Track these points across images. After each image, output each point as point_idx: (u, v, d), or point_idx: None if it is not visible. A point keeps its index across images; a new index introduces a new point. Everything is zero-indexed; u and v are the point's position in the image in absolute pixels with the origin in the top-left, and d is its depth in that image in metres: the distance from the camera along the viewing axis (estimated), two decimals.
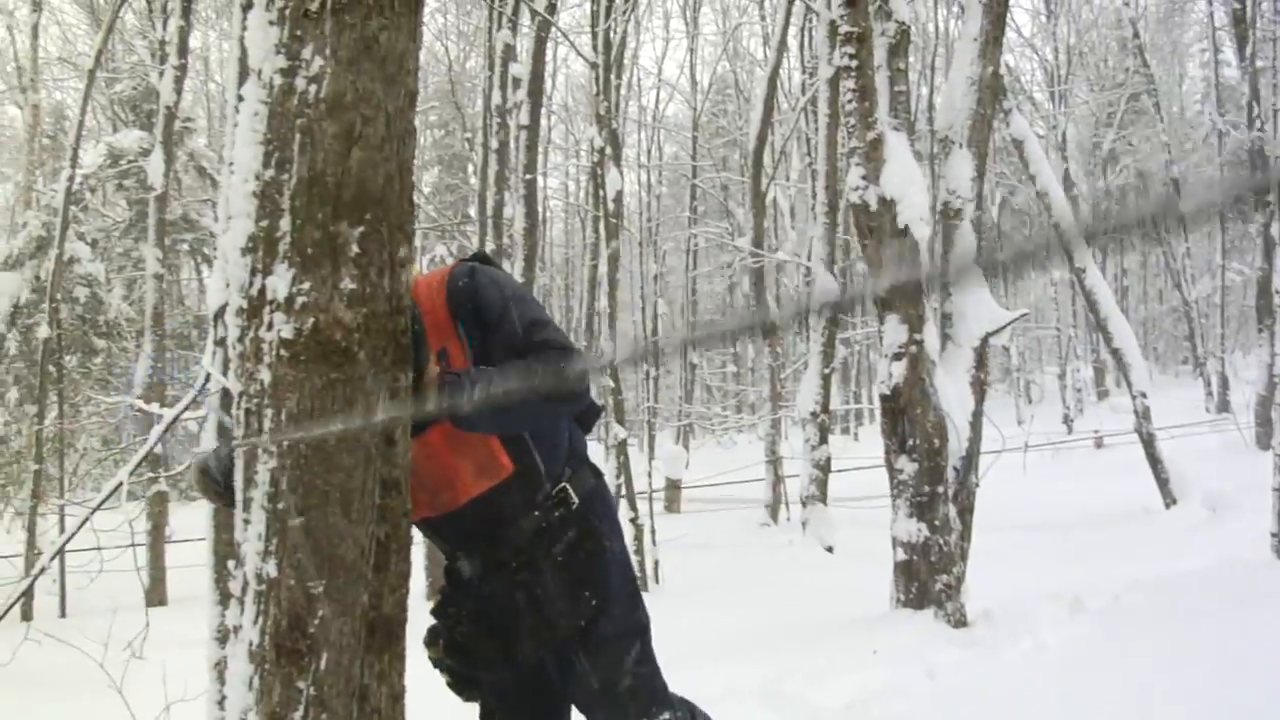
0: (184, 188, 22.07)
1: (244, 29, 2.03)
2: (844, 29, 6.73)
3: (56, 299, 11.74)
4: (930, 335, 6.97)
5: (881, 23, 7.12)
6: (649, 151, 34.10)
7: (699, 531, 14.94)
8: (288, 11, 1.98)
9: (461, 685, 2.84)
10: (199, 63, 28.94)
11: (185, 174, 21.28)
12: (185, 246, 22.83)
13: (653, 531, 11.85)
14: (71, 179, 11.57)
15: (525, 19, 13.51)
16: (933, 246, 7.20)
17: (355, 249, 1.97)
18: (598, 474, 2.87)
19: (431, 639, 2.83)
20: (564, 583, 2.66)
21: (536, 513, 2.69)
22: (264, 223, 1.97)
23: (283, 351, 1.94)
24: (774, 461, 17.39)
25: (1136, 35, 26.63)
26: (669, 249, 36.61)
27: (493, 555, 2.72)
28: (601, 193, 12.69)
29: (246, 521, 1.99)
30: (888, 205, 6.74)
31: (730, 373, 39.62)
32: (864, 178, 6.79)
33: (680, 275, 35.66)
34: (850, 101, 6.83)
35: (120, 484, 3.28)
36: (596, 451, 12.40)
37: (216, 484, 2.52)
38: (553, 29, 12.42)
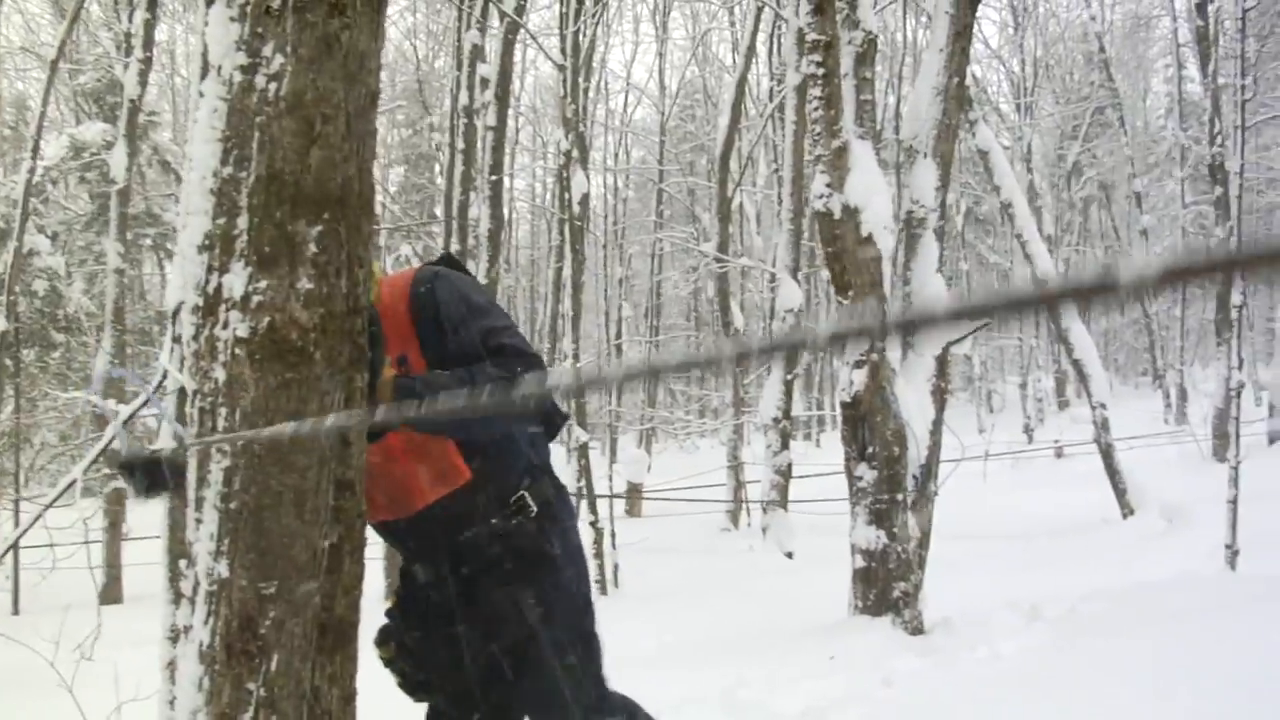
0: (147, 182, 21.88)
1: (205, 24, 2.01)
2: (811, 37, 6.75)
3: (15, 292, 11.59)
4: (891, 344, 7.00)
5: (849, 31, 7.15)
6: (616, 155, 34.11)
7: (660, 536, 14.94)
8: (249, 8, 1.96)
9: (412, 687, 2.84)
10: (165, 56, 28.66)
11: (149, 168, 21.12)
12: (148, 241, 22.62)
13: (613, 535, 11.83)
14: (32, 171, 11.44)
15: (495, 20, 13.48)
16: (896, 256, 7.23)
17: (313, 248, 1.96)
18: (558, 485, 2.86)
19: (383, 639, 2.82)
20: (512, 590, 2.66)
21: (493, 520, 2.69)
22: (221, 220, 1.96)
23: (238, 350, 1.93)
24: (735, 467, 17.42)
25: (1102, 49, 26.89)
26: (635, 253, 36.61)
27: (446, 560, 2.72)
28: (567, 195, 12.68)
29: (199, 521, 1.97)
30: (851, 213, 6.76)
31: (694, 377, 39.64)
32: (828, 185, 6.81)
33: (645, 279, 35.65)
34: (816, 109, 6.84)
35: (74, 480, 3.25)
36: (558, 454, 12.38)
37: (145, 480, 2.46)
38: (521, 31, 12.40)
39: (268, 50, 1.95)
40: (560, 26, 14.20)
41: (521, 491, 2.71)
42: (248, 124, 1.95)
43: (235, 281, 1.93)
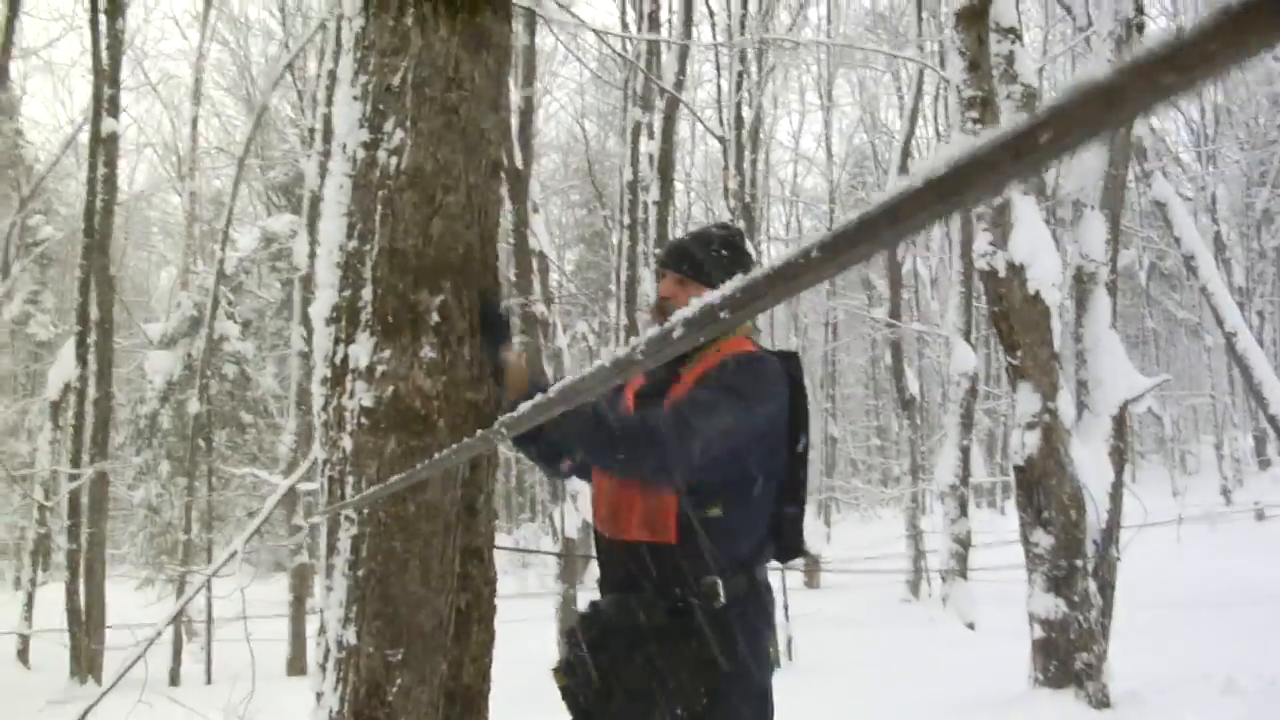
0: None
1: (330, 106, 2.08)
2: (967, 93, 6.64)
3: (207, 376, 12.18)
4: (1065, 404, 6.74)
5: (1006, 85, 7.00)
6: (787, 225, 34.09)
7: (837, 607, 14.64)
8: (370, 87, 2.02)
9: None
10: None
11: None
12: None
13: (785, 607, 11.64)
14: (222, 261, 12.06)
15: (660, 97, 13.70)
16: (1065, 312, 7.00)
17: (435, 317, 1.99)
18: (760, 589, 2.73)
19: (565, 670, 2.80)
20: (680, 671, 2.58)
21: (678, 590, 2.60)
22: (347, 293, 2.01)
23: (363, 419, 1.97)
24: (914, 536, 17.00)
25: None
26: (810, 323, 36.39)
27: (629, 608, 2.68)
28: None
29: (329, 588, 2.00)
30: (1016, 271, 6.58)
31: (874, 446, 38.99)
32: (991, 243, 6.65)
33: (820, 349, 35.37)
34: None
35: (235, 552, 3.36)
36: None
37: None
38: (682, 106, 12.56)
39: (389, 126, 2.00)
40: (718, 99, 14.34)
41: (715, 579, 2.60)
42: (371, 198, 2.00)
43: (360, 352, 1.97)
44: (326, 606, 2.00)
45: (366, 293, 1.98)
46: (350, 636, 1.94)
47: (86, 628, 11.54)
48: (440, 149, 2.01)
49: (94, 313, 11.90)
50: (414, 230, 1.99)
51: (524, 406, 1.30)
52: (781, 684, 2.79)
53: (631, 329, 14.97)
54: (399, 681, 1.93)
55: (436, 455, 1.97)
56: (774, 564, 2.91)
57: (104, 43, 12.02)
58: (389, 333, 1.97)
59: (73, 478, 11.97)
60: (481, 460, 2.06)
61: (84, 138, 12.84)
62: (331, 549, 2.00)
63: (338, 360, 2.01)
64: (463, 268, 2.02)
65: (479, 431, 1.61)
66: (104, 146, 11.98)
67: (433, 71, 2.00)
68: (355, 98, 2.04)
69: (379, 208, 1.99)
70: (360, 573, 1.95)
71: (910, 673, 8.84)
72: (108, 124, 12.05)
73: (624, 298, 13.58)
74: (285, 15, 21.29)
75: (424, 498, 1.95)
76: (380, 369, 1.96)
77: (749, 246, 3.02)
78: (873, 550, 20.31)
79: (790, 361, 2.82)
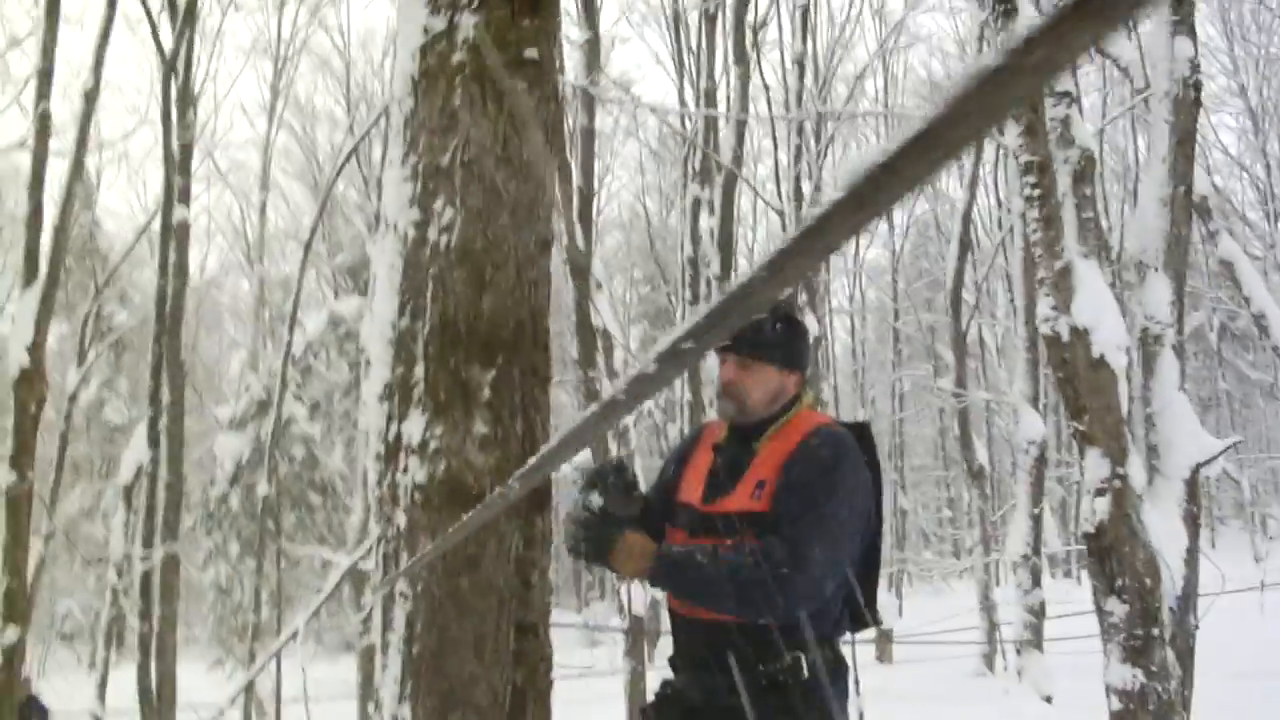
0: None
1: (380, 187, 2.13)
2: (1024, 159, 6.61)
3: (275, 458, 12.33)
4: (1135, 468, 6.61)
5: (1064, 150, 6.97)
6: (851, 296, 34.07)
7: (909, 681, 14.36)
8: (420, 167, 2.06)
9: None
10: None
11: None
12: None
13: (856, 681, 11.43)
14: (289, 344, 12.24)
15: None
16: (1132, 375, 6.89)
17: (487, 393, 2.00)
18: (840, 664, 2.75)
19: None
20: None
21: (760, 667, 2.58)
22: (399, 370, 2.03)
23: (417, 495, 1.98)
24: (987, 608, 16.66)
25: None
26: (876, 394, 36.15)
27: (712, 687, 2.66)
28: None
29: (384, 666, 2.00)
30: (1080, 335, 6.49)
31: (945, 517, 38.48)
32: (1054, 308, 6.58)
33: (888, 419, 35.11)
34: (1035, 231, 6.67)
35: (296, 630, 3.37)
36: None
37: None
38: (740, 181, 12.65)
39: (438, 205, 2.04)
40: (775, 173, 14.42)
41: (799, 654, 2.58)
42: (422, 276, 2.03)
43: (413, 428, 1.99)
44: (383, 683, 2.00)
45: (419, 369, 2.01)
46: (405, 713, 1.94)
47: (159, 708, 11.62)
48: (490, 226, 2.03)
49: (165, 396, 12.13)
50: (464, 306, 2.01)
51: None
52: None
53: (696, 405, 14.94)
54: None
55: (492, 539, 1.98)
56: (846, 636, 2.89)
57: (175, 134, 12.38)
58: (441, 409, 1.99)
59: (144, 559, 12.12)
60: (535, 535, 2.06)
61: (157, 226, 13.18)
62: (387, 625, 2.00)
63: (391, 437, 2.03)
64: (515, 343, 2.04)
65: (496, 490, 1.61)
66: (175, 234, 12.30)
67: (481, 150, 2.04)
68: (405, 178, 2.08)
69: (430, 285, 2.02)
70: (414, 649, 1.95)
71: None
72: (179, 212, 12.38)
73: (688, 374, 13.59)
74: (350, 102, 21.83)
75: (477, 573, 1.95)
76: (433, 445, 1.98)
77: (805, 318, 3.05)
78: (945, 623, 19.92)
79: (864, 436, 2.82)
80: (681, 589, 2.66)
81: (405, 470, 1.99)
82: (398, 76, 2.20)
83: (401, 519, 1.99)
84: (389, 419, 2.03)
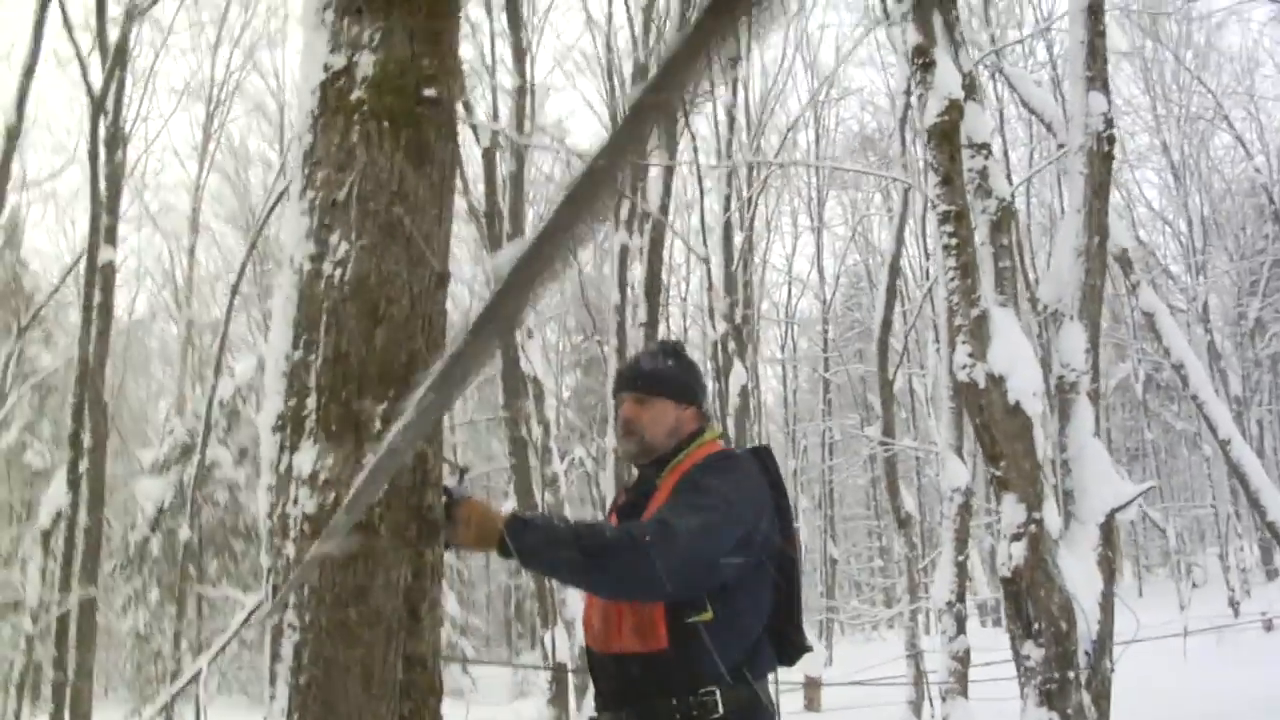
0: None
1: (280, 222, 2.15)
2: (941, 208, 6.76)
3: (198, 503, 12.16)
4: (1050, 513, 6.72)
5: (981, 200, 7.13)
6: (783, 346, 34.32)
7: None
8: (317, 201, 2.08)
9: None
10: None
11: None
12: None
13: None
14: (215, 387, 12.12)
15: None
16: (1047, 423, 7.02)
17: (378, 425, 2.01)
18: (759, 702, 2.66)
19: None
20: None
21: (674, 702, 2.56)
22: (292, 401, 2.04)
23: (306, 527, 1.98)
24: (914, 655, 16.75)
25: (1272, 201, 26.12)
26: (808, 443, 36.32)
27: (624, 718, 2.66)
28: (721, 387, 12.78)
29: (272, 697, 1.99)
30: (996, 382, 6.61)
31: (877, 566, 38.65)
32: (970, 355, 6.70)
33: (819, 469, 35.28)
34: (953, 279, 6.80)
35: (200, 670, 3.33)
36: None
37: None
38: (667, 229, 12.77)
39: (334, 239, 2.06)
40: (701, 220, 14.57)
41: (714, 688, 2.55)
42: (316, 309, 2.05)
43: (304, 460, 2.00)
44: (270, 715, 1.99)
45: (311, 401, 2.02)
46: None
47: None
48: (384, 261, 2.06)
49: (86, 439, 11.92)
50: (358, 340, 2.03)
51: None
52: None
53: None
54: None
55: (380, 571, 1.98)
56: (777, 671, 2.90)
57: (103, 173, 12.26)
58: (333, 440, 2.00)
59: (60, 604, 11.86)
60: (425, 567, 2.07)
61: (84, 266, 13.00)
62: (275, 656, 2.00)
63: (282, 468, 2.03)
64: (406, 377, 2.05)
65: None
66: (101, 274, 12.15)
67: (377, 186, 2.06)
68: (303, 212, 2.10)
69: (324, 318, 2.04)
70: (302, 679, 1.95)
71: None
72: (105, 253, 12.23)
73: (615, 421, 13.63)
74: (284, 145, 21.73)
75: (365, 604, 1.96)
76: (323, 476, 1.98)
77: (690, 354, 3.10)
78: (874, 671, 19.98)
79: (764, 456, 2.85)
80: (536, 558, 2.53)
81: (295, 501, 2.00)
82: (298, 112, 2.23)
83: (291, 550, 1.99)
84: (281, 450, 2.04)
